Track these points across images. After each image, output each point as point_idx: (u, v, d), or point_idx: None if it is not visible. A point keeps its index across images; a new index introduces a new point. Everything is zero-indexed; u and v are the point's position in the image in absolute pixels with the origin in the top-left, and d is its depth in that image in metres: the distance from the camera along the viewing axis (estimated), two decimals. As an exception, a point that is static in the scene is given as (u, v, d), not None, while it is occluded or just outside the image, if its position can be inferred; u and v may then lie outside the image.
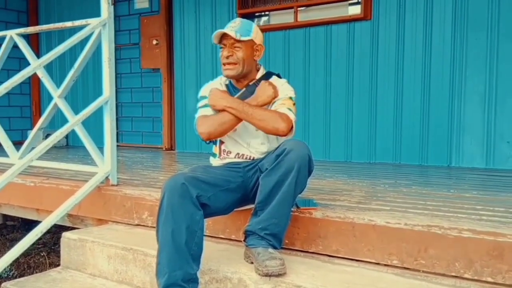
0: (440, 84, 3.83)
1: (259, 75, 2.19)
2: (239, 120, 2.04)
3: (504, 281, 1.72)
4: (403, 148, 4.01)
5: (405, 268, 1.90)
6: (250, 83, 2.16)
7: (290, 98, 2.08)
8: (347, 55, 4.21)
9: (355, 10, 4.16)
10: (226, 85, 2.21)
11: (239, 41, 2.07)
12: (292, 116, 2.02)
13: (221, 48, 2.12)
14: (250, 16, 4.64)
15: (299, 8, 4.43)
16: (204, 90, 2.19)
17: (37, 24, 6.02)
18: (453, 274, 1.80)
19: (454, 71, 3.77)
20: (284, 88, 2.11)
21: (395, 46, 3.99)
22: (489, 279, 1.74)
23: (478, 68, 3.68)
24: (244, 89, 2.16)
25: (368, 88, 4.12)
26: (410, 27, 3.93)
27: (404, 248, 1.89)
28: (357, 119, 4.20)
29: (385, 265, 1.94)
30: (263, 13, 4.75)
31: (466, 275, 1.78)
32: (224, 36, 2.09)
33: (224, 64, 2.11)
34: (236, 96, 2.14)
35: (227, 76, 2.15)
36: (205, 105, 2.12)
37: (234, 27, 2.08)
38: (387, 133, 4.06)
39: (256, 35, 2.12)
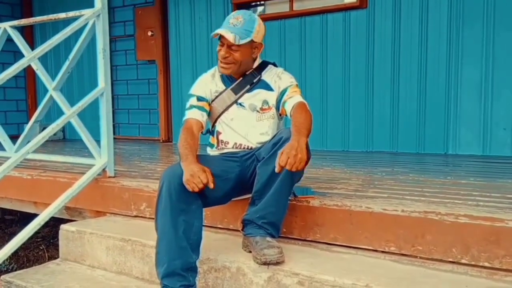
0: (436, 72, 3.83)
1: (255, 64, 2.18)
2: None
3: (501, 266, 1.73)
4: (400, 136, 4.01)
5: (402, 254, 1.91)
6: (247, 73, 2.16)
7: (296, 85, 2.12)
8: (343, 44, 4.19)
9: (351, -2, 4.14)
10: (221, 75, 2.20)
11: (237, 45, 2.03)
12: (305, 102, 2.05)
13: (218, 40, 2.06)
14: (245, 6, 4.60)
15: (294, -3, 4.41)
16: (195, 87, 2.17)
17: (31, 16, 5.96)
18: (450, 259, 1.81)
19: (450, 58, 3.76)
20: (285, 76, 2.15)
21: (391, 34, 3.98)
22: (486, 264, 1.75)
23: (474, 56, 3.67)
24: (240, 79, 2.15)
25: (364, 77, 4.11)
26: (406, 16, 3.91)
27: (401, 234, 1.90)
28: (354, 108, 4.19)
29: (383, 251, 1.95)
30: (258, 3, 4.72)
31: (463, 261, 1.79)
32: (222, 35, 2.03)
33: (220, 61, 2.09)
34: (232, 86, 2.14)
35: (222, 73, 2.14)
36: (191, 107, 2.11)
37: (235, 26, 2.01)
38: (384, 122, 4.06)
39: (256, 34, 2.05)
